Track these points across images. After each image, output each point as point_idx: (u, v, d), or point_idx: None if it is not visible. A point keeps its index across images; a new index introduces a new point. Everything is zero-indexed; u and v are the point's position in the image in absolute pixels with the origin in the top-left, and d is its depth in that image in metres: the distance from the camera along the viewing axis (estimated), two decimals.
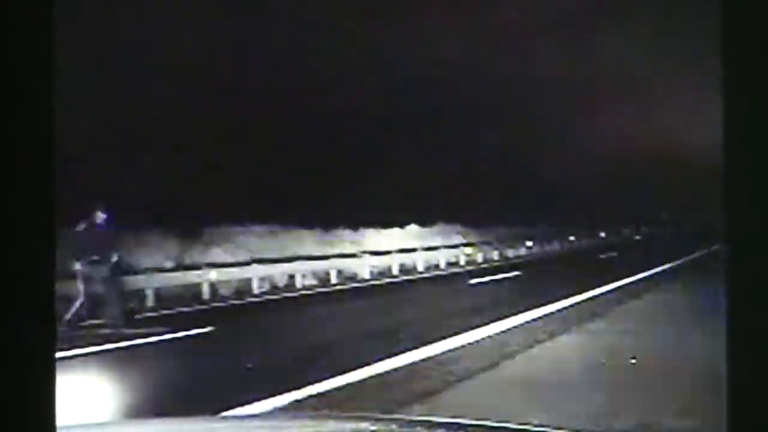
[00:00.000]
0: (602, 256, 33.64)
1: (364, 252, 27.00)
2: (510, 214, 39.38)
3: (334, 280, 24.09)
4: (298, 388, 8.01)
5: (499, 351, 10.27)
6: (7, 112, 0.74)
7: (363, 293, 20.94)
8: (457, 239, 34.48)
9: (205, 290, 19.65)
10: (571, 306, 15.30)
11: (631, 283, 20.00)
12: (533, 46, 41.58)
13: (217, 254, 22.58)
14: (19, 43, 0.78)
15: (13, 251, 0.77)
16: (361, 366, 9.12)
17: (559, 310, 14.64)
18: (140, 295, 18.00)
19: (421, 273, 27.78)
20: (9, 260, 0.77)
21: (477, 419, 2.33)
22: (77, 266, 14.04)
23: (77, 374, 8.19)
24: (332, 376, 8.56)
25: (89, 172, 19.34)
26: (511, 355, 10.01)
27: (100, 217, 14.40)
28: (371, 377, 8.75)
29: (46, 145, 0.80)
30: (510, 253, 36.27)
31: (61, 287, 15.14)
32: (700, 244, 32.00)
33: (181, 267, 20.60)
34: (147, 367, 9.98)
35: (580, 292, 16.90)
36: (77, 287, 13.97)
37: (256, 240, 24.94)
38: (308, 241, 26.79)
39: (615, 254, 34.92)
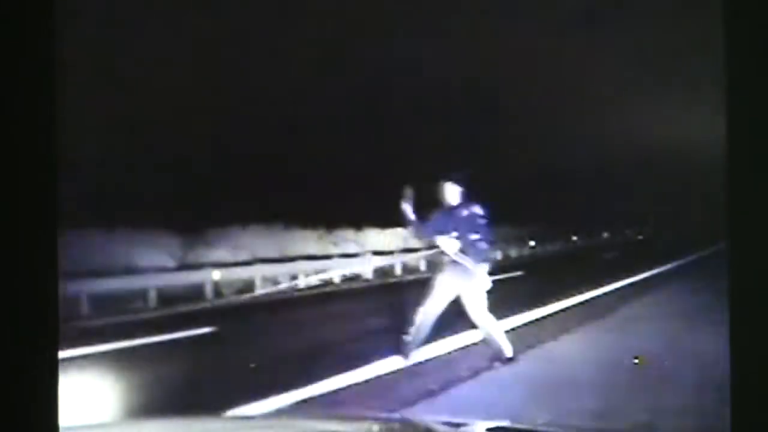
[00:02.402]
0: (606, 256, 33.62)
1: (367, 252, 26.99)
2: (511, 213, 39.30)
3: (336, 279, 24.09)
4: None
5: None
6: (8, 117, 0.75)
7: (366, 293, 20.94)
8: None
9: (208, 290, 19.67)
10: (574, 306, 15.30)
11: (634, 283, 19.99)
12: (535, 44, 41.49)
13: (220, 254, 22.60)
14: (20, 43, 0.78)
15: (16, 252, 0.78)
16: (362, 365, 9.13)
17: (562, 310, 14.64)
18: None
19: (424, 273, 27.75)
20: (13, 262, 0.77)
21: (475, 419, 2.33)
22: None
23: None
24: (337, 375, 8.58)
25: (91, 172, 19.33)
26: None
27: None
28: (373, 378, 8.76)
29: (49, 148, 0.81)
30: (512, 252, 36.23)
31: None
32: (704, 244, 31.90)
33: (184, 267, 20.68)
34: None
35: (582, 292, 16.89)
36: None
37: (258, 240, 24.94)
38: (311, 241, 26.80)
39: (618, 254, 34.89)
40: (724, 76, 0.96)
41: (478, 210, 9.32)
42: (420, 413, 6.83)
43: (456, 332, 11.44)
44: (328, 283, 23.70)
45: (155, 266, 19.86)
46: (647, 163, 54.88)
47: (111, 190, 20.76)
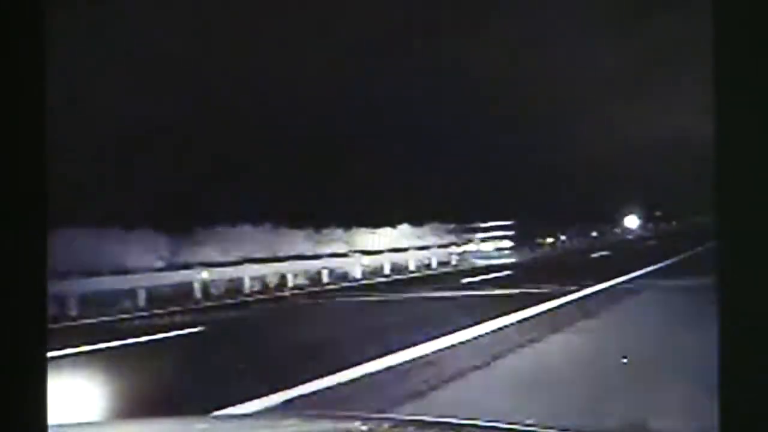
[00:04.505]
0: (594, 256, 33.72)
1: (356, 251, 27.03)
2: (501, 213, 39.44)
3: (325, 279, 24.08)
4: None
5: (488, 351, 10.24)
6: None
7: (354, 293, 20.93)
8: (449, 239, 34.53)
9: (197, 289, 19.64)
10: (560, 306, 15.31)
11: (622, 282, 20.00)
12: (525, 46, 41.68)
13: (209, 254, 22.57)
14: (10, 43, 0.78)
15: (5, 251, 0.77)
16: (349, 367, 9.10)
17: (546, 311, 14.65)
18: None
19: (412, 272, 27.78)
20: (1, 260, 0.77)
21: (467, 419, 2.34)
22: None
23: None
24: (323, 376, 8.55)
25: (80, 172, 19.28)
26: (501, 354, 10.00)
27: None
28: (359, 378, 8.75)
29: (39, 146, 0.80)
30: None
31: None
32: (692, 243, 32.00)
33: (173, 266, 20.63)
34: None
35: (570, 292, 16.90)
36: None
37: (247, 239, 24.92)
38: (300, 241, 26.81)
39: (606, 253, 35.01)
40: (713, 73, 0.96)
41: None
42: (409, 412, 6.82)
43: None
44: (316, 282, 23.69)
45: (144, 266, 19.83)
46: (638, 164, 55.12)
47: (100, 190, 20.70)
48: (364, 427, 2.29)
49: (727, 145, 0.92)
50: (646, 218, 62.20)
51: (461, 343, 10.95)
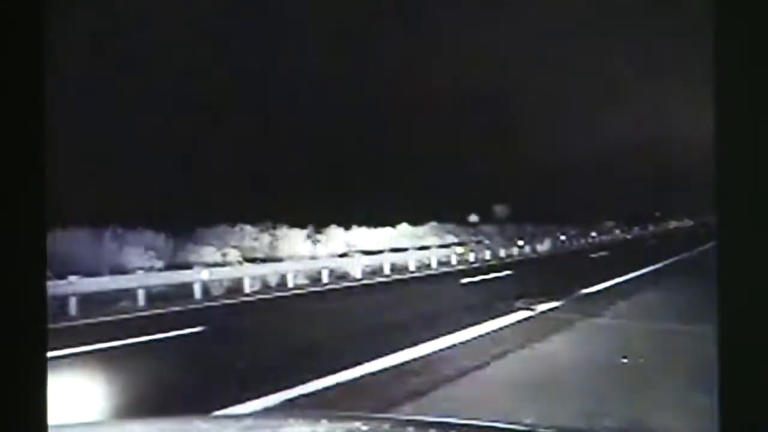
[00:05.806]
0: (593, 256, 33.73)
1: (356, 251, 27.02)
2: (501, 214, 39.44)
3: (325, 279, 24.05)
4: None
5: (490, 350, 10.25)
6: None
7: (354, 293, 20.92)
8: (449, 238, 34.51)
9: (197, 289, 19.61)
10: (563, 306, 15.32)
11: (622, 282, 20.03)
12: (525, 43, 41.68)
13: (209, 254, 22.56)
14: (10, 43, 0.78)
15: (5, 251, 0.77)
16: (349, 367, 9.09)
17: (550, 309, 14.66)
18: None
19: (412, 273, 27.75)
20: (1, 260, 0.77)
21: (467, 419, 2.34)
22: None
23: None
24: (324, 376, 8.56)
25: (80, 172, 19.26)
26: (502, 355, 9.99)
27: None
28: (361, 377, 8.75)
29: (38, 146, 0.80)
30: (502, 252, 36.28)
31: None
32: (690, 244, 32.02)
33: (173, 266, 20.61)
34: None
35: (570, 293, 16.90)
36: None
37: (247, 239, 24.92)
38: (300, 241, 26.80)
39: (606, 254, 35.02)
40: (713, 73, 0.95)
41: None
42: (409, 413, 6.82)
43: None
44: (316, 282, 23.67)
45: (144, 266, 19.82)
46: (636, 164, 55.11)
47: (100, 190, 20.70)
48: (364, 428, 2.29)
49: (727, 145, 0.92)
50: (643, 219, 61.91)
51: None
